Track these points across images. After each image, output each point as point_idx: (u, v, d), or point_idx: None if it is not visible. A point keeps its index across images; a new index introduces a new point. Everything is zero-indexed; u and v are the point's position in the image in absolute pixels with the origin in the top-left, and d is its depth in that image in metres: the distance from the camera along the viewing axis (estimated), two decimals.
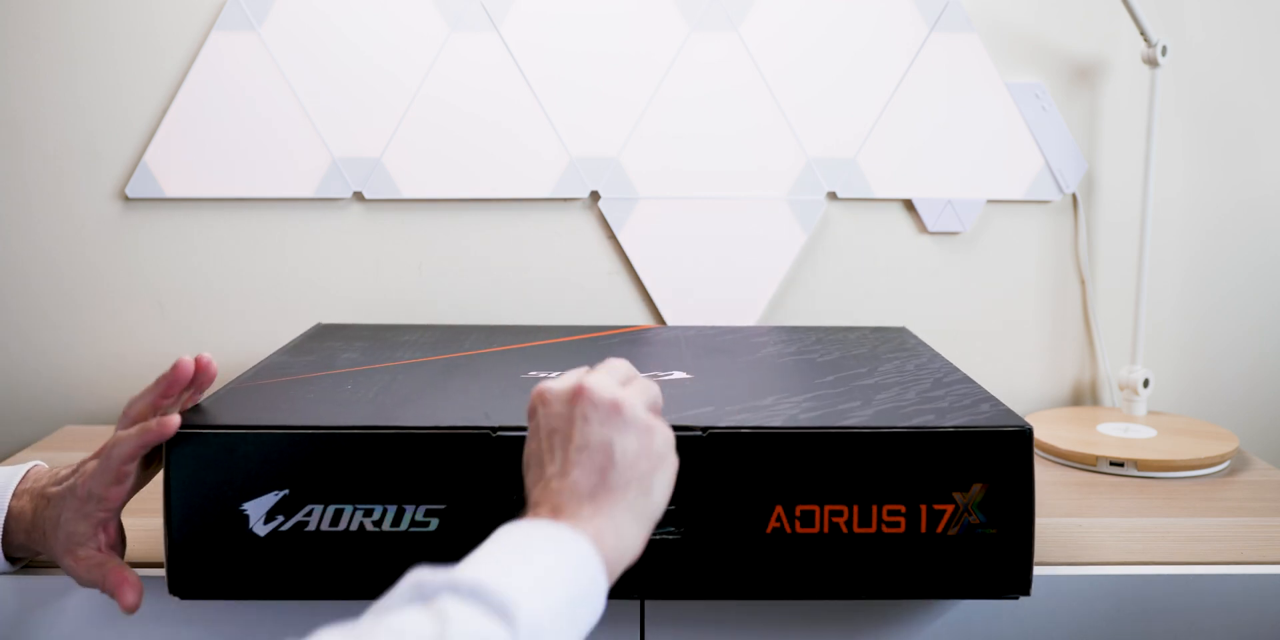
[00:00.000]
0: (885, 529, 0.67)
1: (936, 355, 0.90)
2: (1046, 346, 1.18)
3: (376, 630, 0.46)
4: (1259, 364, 1.20)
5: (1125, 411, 1.11)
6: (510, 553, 0.52)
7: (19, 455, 1.03)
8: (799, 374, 0.83)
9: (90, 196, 1.13)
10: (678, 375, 0.81)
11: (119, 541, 0.72)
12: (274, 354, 0.89)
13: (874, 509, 0.67)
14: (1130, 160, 1.15)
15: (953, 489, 0.66)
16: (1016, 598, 0.69)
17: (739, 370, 0.84)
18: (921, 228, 1.16)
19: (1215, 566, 0.78)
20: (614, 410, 0.58)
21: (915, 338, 0.99)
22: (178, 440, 0.67)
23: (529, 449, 0.60)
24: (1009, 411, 0.71)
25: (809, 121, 1.13)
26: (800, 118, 1.13)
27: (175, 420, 0.68)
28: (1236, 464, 1.01)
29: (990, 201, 1.15)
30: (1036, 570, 0.70)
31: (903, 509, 0.66)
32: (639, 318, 1.16)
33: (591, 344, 0.92)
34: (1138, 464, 0.97)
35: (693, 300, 1.15)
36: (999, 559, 0.68)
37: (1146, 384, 1.10)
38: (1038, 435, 1.03)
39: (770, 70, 1.12)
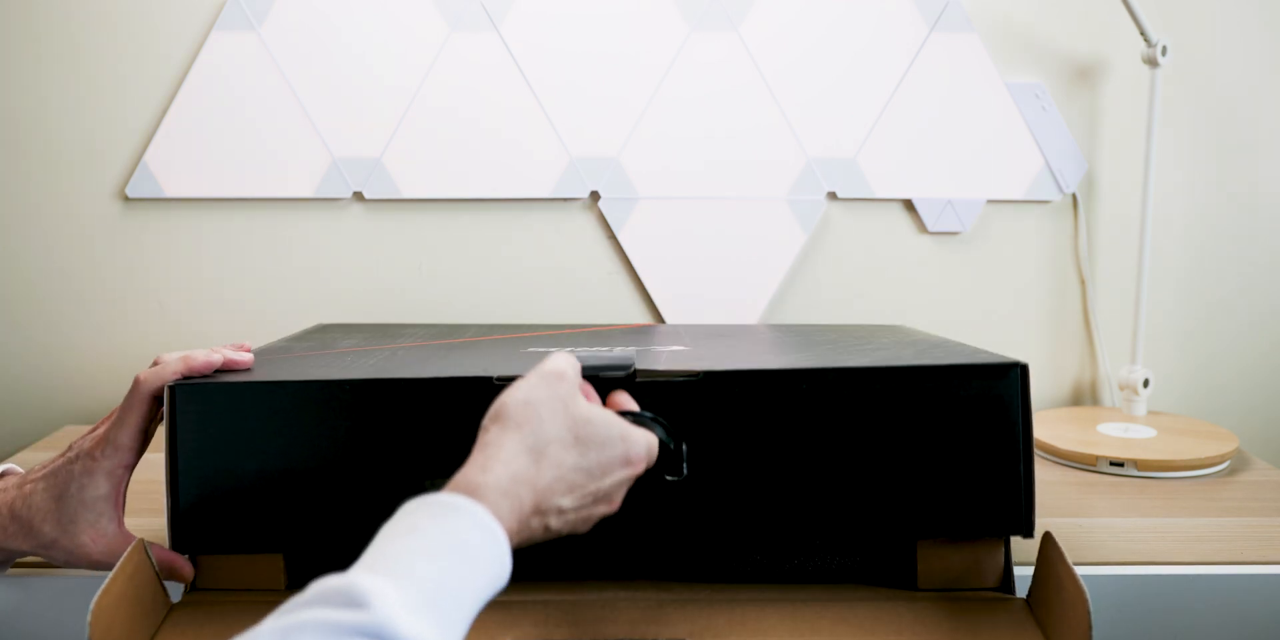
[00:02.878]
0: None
1: (938, 338, 0.90)
2: (1046, 347, 1.18)
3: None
4: (1259, 364, 1.20)
5: (1125, 411, 1.11)
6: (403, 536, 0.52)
7: (19, 455, 1.03)
8: (798, 346, 0.84)
9: (90, 196, 1.13)
10: (676, 348, 0.81)
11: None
12: (273, 342, 0.89)
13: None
14: (1130, 160, 1.15)
15: (949, 427, 0.68)
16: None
17: (737, 344, 0.86)
18: (921, 228, 1.16)
19: (1215, 566, 0.78)
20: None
21: (915, 330, 0.99)
22: (184, 393, 0.67)
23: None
24: (1004, 357, 0.72)
25: (809, 121, 1.13)
26: (800, 118, 1.13)
27: (246, 358, 0.70)
28: (1236, 464, 1.01)
29: (990, 201, 1.15)
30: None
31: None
32: (639, 317, 1.16)
33: (590, 336, 0.92)
34: (1138, 464, 0.97)
35: (693, 300, 1.15)
36: (996, 496, 0.68)
37: (1146, 384, 1.10)
38: (1038, 435, 1.03)
39: (770, 70, 1.12)
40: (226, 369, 0.70)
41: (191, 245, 1.14)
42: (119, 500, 0.68)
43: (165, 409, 0.67)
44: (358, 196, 1.13)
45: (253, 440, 0.67)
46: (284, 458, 0.67)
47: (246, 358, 0.71)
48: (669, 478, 0.65)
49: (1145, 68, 1.08)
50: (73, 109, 1.12)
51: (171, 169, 1.12)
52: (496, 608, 0.64)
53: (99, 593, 0.59)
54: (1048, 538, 0.66)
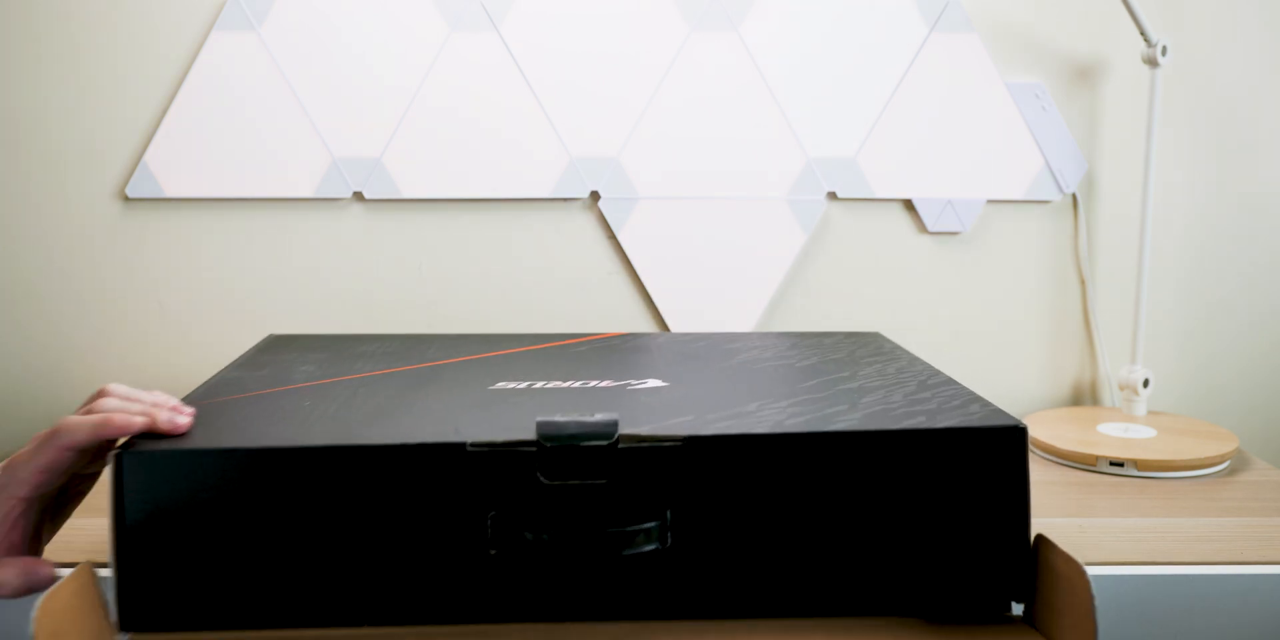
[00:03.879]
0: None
1: (915, 359, 0.87)
2: (1046, 346, 1.18)
3: None
4: (1259, 364, 1.20)
5: (1125, 411, 1.11)
6: None
7: None
8: (780, 380, 0.79)
9: (90, 196, 1.13)
10: (653, 383, 0.77)
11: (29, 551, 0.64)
12: (226, 368, 0.83)
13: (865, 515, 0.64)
14: (1130, 160, 1.15)
15: (946, 490, 0.64)
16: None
17: (716, 378, 0.81)
18: (921, 228, 1.16)
19: (1215, 566, 0.78)
20: None
21: (890, 342, 0.96)
22: (131, 461, 0.61)
23: None
24: (1000, 411, 0.69)
25: (809, 121, 1.13)
26: (800, 117, 1.13)
27: (183, 422, 0.64)
28: (1236, 464, 1.01)
29: (990, 201, 1.15)
30: None
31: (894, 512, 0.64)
32: (638, 317, 1.16)
33: (560, 352, 0.88)
34: (1138, 464, 0.97)
35: (693, 300, 1.15)
36: (994, 564, 0.65)
37: (1146, 384, 1.10)
38: (1038, 435, 1.04)
39: (770, 70, 1.12)
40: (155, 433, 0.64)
41: (191, 245, 1.14)
42: (13, 525, 0.63)
43: (110, 476, 0.61)
44: (358, 196, 1.13)
45: (205, 510, 0.62)
46: (239, 529, 0.62)
47: (183, 422, 0.64)
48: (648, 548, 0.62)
49: (1145, 68, 1.08)
50: (72, 109, 1.12)
51: (171, 169, 1.12)
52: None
53: (44, 596, 0.56)
54: (1042, 540, 0.64)
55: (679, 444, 0.63)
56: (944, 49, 1.12)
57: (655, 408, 0.69)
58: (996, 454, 0.65)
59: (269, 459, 0.62)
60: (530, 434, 0.62)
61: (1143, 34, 1.06)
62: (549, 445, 0.62)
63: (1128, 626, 0.76)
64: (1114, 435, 1.04)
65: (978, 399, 0.72)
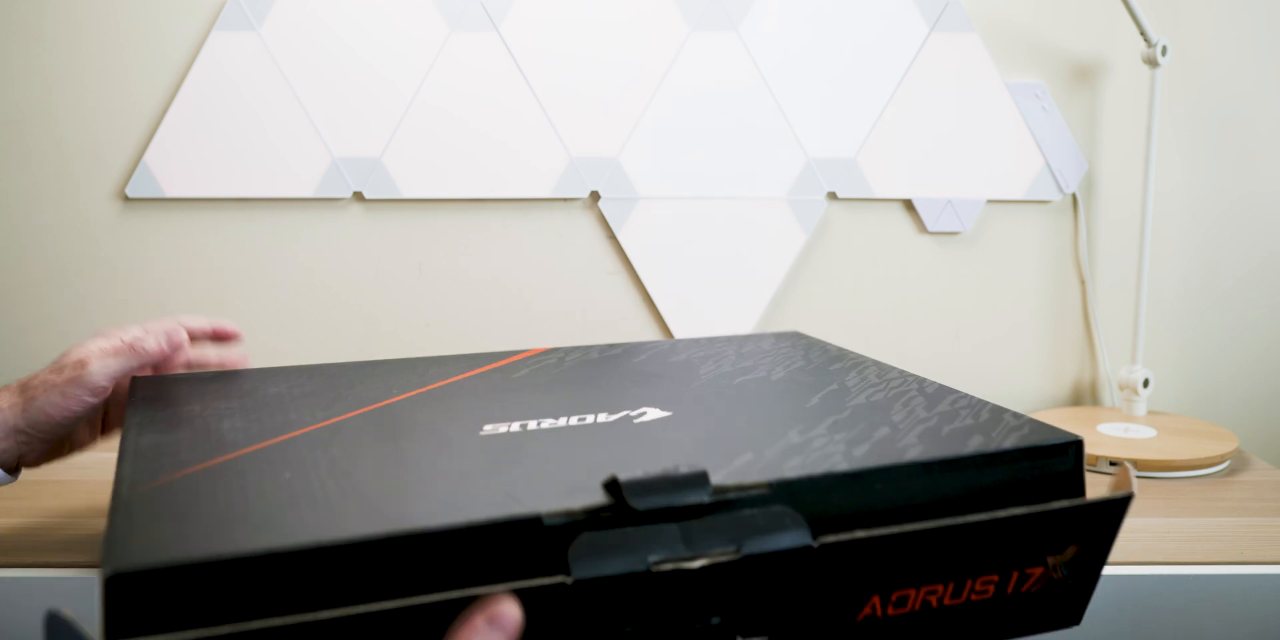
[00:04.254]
0: (974, 598, 0.60)
1: (864, 358, 0.83)
2: (1046, 346, 1.18)
3: None
4: (1259, 364, 1.20)
5: (1125, 411, 1.11)
6: None
7: None
8: (778, 399, 0.73)
9: (90, 196, 1.13)
10: (655, 414, 0.68)
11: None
12: (128, 430, 0.65)
13: (968, 582, 0.60)
14: (1130, 160, 1.15)
15: (1046, 553, 0.61)
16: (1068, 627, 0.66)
17: (710, 401, 0.72)
18: (921, 228, 1.16)
19: (1215, 566, 0.78)
20: None
21: (815, 339, 0.90)
22: (121, 583, 0.45)
23: None
24: (1047, 426, 0.66)
25: (809, 121, 1.13)
26: (800, 118, 1.13)
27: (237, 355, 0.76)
28: (1236, 464, 1.01)
29: (990, 201, 1.15)
30: None
31: (995, 578, 0.60)
32: (639, 318, 1.16)
33: (500, 375, 0.77)
34: (1138, 464, 0.97)
35: (693, 300, 1.15)
36: (1066, 601, 0.64)
37: (1146, 384, 1.10)
38: None
39: (770, 70, 1.12)
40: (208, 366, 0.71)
41: (191, 245, 1.14)
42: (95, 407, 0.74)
43: (100, 601, 0.46)
44: (358, 196, 1.13)
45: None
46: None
47: (236, 355, 0.74)
48: None
49: (1145, 68, 1.08)
50: (73, 109, 1.12)
51: (172, 169, 1.12)
52: None
53: None
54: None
55: (766, 491, 0.55)
56: (944, 49, 1.12)
57: (685, 444, 0.62)
58: (1099, 519, 0.62)
59: (302, 561, 0.48)
60: (598, 496, 0.52)
61: (1143, 34, 1.06)
62: (639, 510, 0.52)
63: (1128, 626, 0.76)
64: (1114, 435, 1.04)
65: (995, 406, 0.70)
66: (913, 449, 0.62)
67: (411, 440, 0.63)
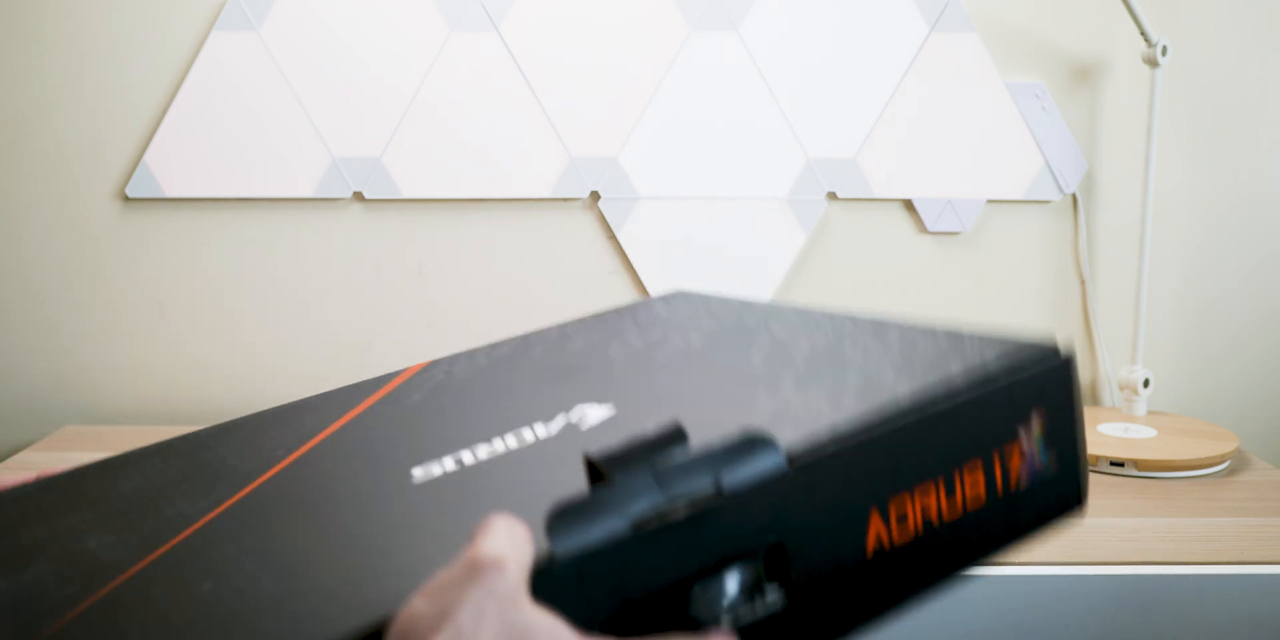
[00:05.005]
0: (970, 506, 0.57)
1: (769, 305, 0.74)
2: None
3: None
4: (1259, 364, 1.20)
5: (1125, 411, 1.11)
6: None
7: (19, 455, 1.03)
8: (717, 366, 0.64)
9: (90, 196, 1.13)
10: (598, 412, 0.58)
11: None
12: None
13: (956, 478, 0.57)
14: (1130, 160, 1.15)
15: (1015, 422, 0.58)
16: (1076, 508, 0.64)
17: (651, 385, 0.63)
18: (921, 228, 1.16)
19: (1215, 566, 0.78)
20: None
21: (706, 294, 0.80)
22: None
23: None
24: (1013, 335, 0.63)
25: (809, 121, 1.13)
26: (800, 118, 1.13)
27: None
28: (1236, 464, 1.01)
29: (990, 201, 1.15)
30: (1036, 570, 0.70)
31: (980, 466, 0.57)
32: None
33: (392, 406, 0.65)
34: (1138, 464, 0.97)
35: None
36: (1061, 487, 0.63)
37: (1146, 384, 1.10)
38: None
39: (770, 70, 1.12)
40: None
41: (191, 245, 1.14)
42: None
43: None
44: (358, 196, 1.13)
45: None
46: None
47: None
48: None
49: (1145, 68, 1.08)
50: (73, 109, 1.12)
51: (171, 169, 1.12)
52: None
53: None
54: None
55: (786, 470, 0.49)
56: (944, 49, 1.12)
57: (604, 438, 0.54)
58: (1048, 380, 0.60)
59: None
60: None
61: (1143, 34, 1.06)
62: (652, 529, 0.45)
63: (1128, 626, 0.77)
64: (1114, 435, 1.04)
65: (953, 330, 0.64)
66: (902, 387, 0.56)
67: (336, 508, 0.52)
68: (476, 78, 1.11)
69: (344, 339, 1.15)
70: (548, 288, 1.15)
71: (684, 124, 1.13)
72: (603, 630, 0.44)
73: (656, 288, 1.15)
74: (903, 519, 0.55)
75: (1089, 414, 1.12)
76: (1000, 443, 0.58)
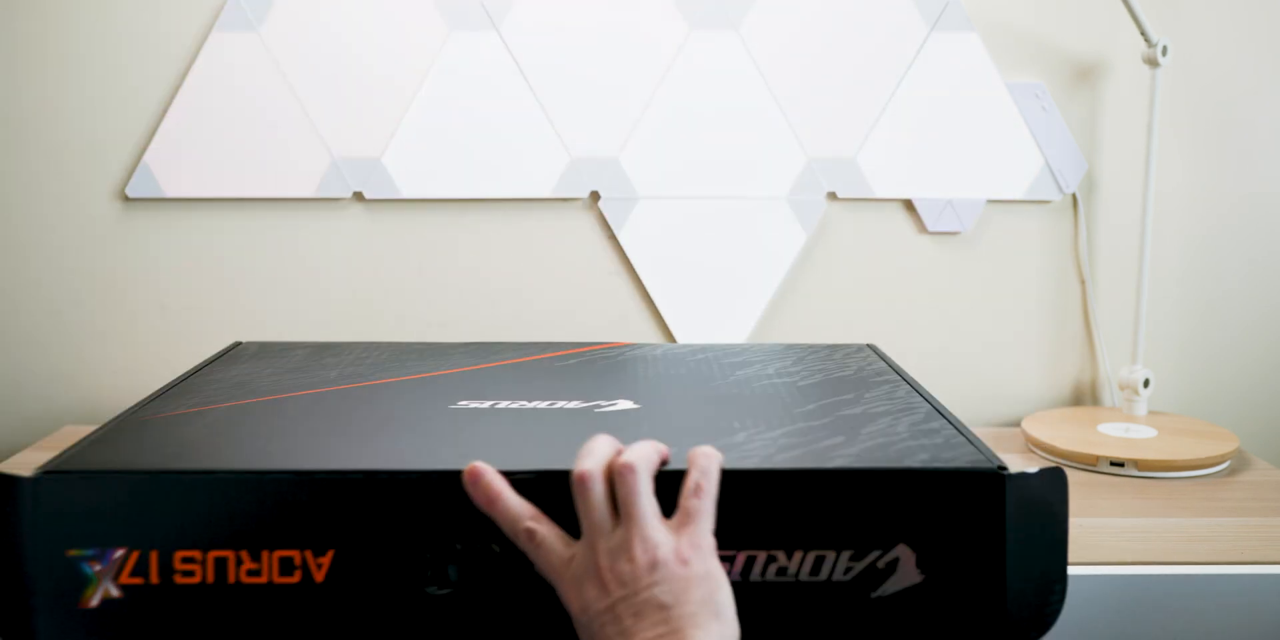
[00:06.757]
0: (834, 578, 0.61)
1: (911, 380, 0.82)
2: (1046, 346, 1.18)
3: None
4: (1259, 364, 1.20)
5: (1125, 411, 1.11)
6: None
7: (19, 455, 1.03)
8: (768, 402, 0.75)
9: (90, 196, 1.13)
10: (622, 405, 0.75)
11: None
12: (191, 374, 0.85)
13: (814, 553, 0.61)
14: (1130, 160, 1.15)
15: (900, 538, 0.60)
16: None
17: (694, 399, 0.77)
18: (921, 228, 1.16)
19: (1215, 566, 0.78)
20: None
21: (884, 355, 0.92)
22: (46, 484, 0.60)
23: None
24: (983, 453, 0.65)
25: (809, 121, 1.13)
26: (800, 117, 1.13)
27: None
28: (1236, 464, 1.01)
29: (990, 201, 1.15)
30: None
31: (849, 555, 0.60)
32: (639, 318, 1.16)
33: (541, 366, 0.86)
34: (1138, 464, 0.97)
35: (693, 300, 1.15)
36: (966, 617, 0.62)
37: (1147, 384, 1.10)
38: (1038, 435, 1.03)
39: (770, 69, 1.12)
40: None
41: (192, 245, 1.14)
42: None
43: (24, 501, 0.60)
44: (358, 196, 1.13)
45: (135, 530, 0.61)
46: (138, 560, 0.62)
47: None
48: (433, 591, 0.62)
49: (1145, 68, 1.08)
50: (73, 109, 1.12)
51: (171, 169, 1.12)
52: None
53: None
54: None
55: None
56: (944, 49, 1.12)
57: (631, 433, 0.65)
58: (970, 497, 0.61)
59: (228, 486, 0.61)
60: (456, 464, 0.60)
61: (1143, 34, 1.06)
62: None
63: (1128, 626, 0.76)
64: (1114, 435, 1.04)
65: (967, 439, 0.67)
66: (842, 460, 0.62)
67: (391, 407, 0.74)
68: (477, 77, 1.11)
69: (344, 338, 1.15)
70: (548, 288, 1.15)
71: (684, 124, 1.13)
72: None
73: (657, 288, 1.15)
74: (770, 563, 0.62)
75: (1089, 414, 1.12)
76: (872, 544, 0.61)
